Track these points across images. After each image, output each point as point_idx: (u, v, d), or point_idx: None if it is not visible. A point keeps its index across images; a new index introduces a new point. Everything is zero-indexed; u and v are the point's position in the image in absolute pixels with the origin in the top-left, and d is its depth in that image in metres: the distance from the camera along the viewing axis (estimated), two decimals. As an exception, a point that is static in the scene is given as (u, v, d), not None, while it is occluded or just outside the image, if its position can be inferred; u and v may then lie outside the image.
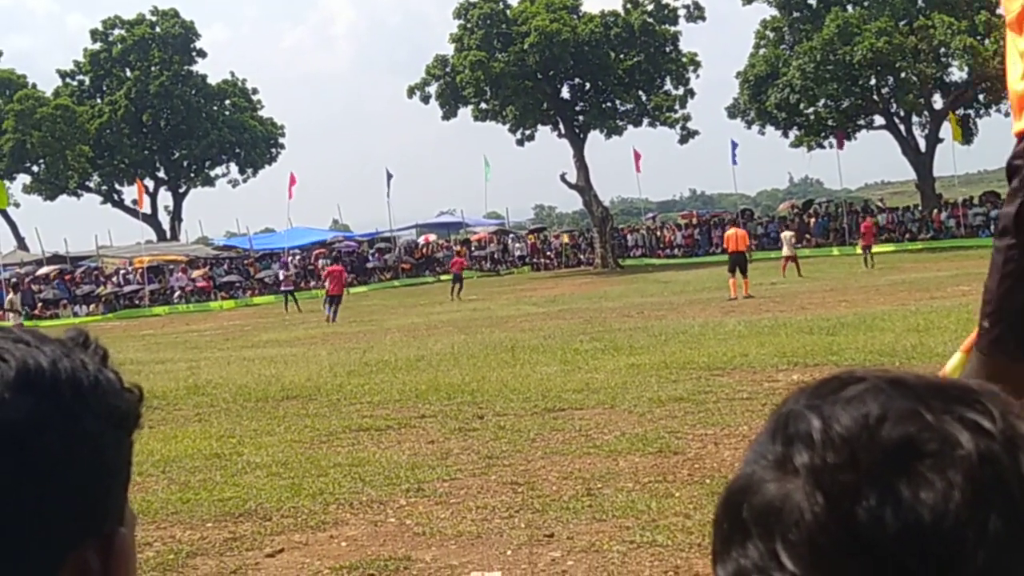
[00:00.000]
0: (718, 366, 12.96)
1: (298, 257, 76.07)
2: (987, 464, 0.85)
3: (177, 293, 70.13)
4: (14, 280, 52.50)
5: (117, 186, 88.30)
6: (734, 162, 74.61)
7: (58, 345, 1.12)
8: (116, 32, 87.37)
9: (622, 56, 69.21)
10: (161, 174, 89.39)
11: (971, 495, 0.84)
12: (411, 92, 73.52)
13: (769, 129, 74.34)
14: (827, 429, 0.89)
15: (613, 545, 5.60)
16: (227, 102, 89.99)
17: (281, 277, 57.46)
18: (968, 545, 0.83)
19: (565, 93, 71.45)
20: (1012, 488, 0.85)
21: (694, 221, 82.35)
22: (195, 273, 72.19)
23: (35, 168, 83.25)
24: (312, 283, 72.12)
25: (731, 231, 35.38)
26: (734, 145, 75.65)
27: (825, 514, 0.86)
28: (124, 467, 1.15)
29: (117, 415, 1.13)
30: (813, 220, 73.21)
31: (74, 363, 1.11)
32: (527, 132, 73.51)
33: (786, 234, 42.82)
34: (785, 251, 42.39)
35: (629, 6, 69.69)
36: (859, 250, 48.80)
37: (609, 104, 71.78)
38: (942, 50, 66.89)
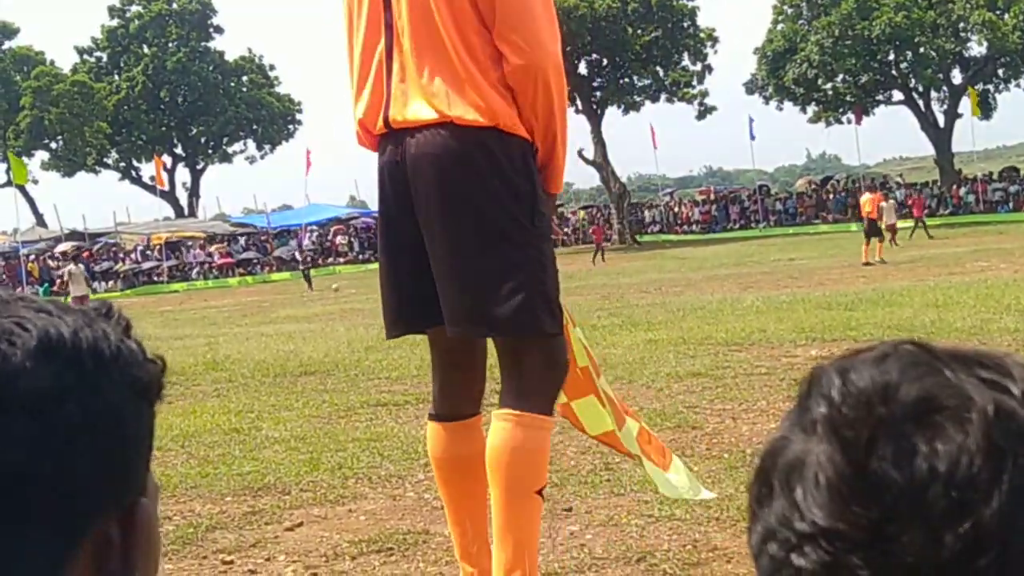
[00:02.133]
0: (736, 341, 12.94)
1: (315, 233, 76.15)
2: (1004, 418, 0.86)
3: (195, 270, 70.40)
4: (74, 253, 52.18)
5: (135, 163, 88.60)
6: (752, 138, 74.60)
7: (80, 315, 1.12)
8: (133, 8, 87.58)
9: (639, 31, 69.00)
10: (179, 150, 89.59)
11: (987, 446, 0.85)
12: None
13: (787, 105, 74.24)
14: (846, 384, 0.91)
15: (631, 519, 5.60)
16: (244, 78, 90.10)
17: (298, 256, 57.46)
18: (981, 494, 0.84)
19: (582, 69, 71.25)
20: None
21: (711, 197, 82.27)
22: (212, 249, 72.34)
23: (53, 145, 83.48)
24: (329, 259, 72.30)
25: (866, 196, 35.56)
26: (751, 121, 75.53)
27: (843, 463, 0.87)
28: (146, 437, 1.15)
29: (139, 385, 1.13)
30: (831, 196, 73.05)
31: (96, 333, 1.11)
32: (545, 108, 73.32)
33: (887, 203, 42.11)
34: (888, 219, 41.52)
35: (647, -19, 69.44)
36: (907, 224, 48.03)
37: (626, 80, 71.68)
38: (961, 24, 66.66)
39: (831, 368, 0.95)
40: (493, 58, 3.83)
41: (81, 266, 40.99)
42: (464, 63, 3.82)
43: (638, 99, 72.99)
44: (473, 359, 4.28)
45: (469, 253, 3.88)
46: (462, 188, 3.87)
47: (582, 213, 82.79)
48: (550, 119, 3.87)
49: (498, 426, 3.90)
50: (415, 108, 3.90)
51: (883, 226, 34.69)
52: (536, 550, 3.95)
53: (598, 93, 71.95)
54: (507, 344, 3.98)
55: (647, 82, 72.48)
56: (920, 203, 52.47)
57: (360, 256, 73.22)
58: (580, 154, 69.90)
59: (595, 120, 71.54)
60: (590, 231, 61.22)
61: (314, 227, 77.21)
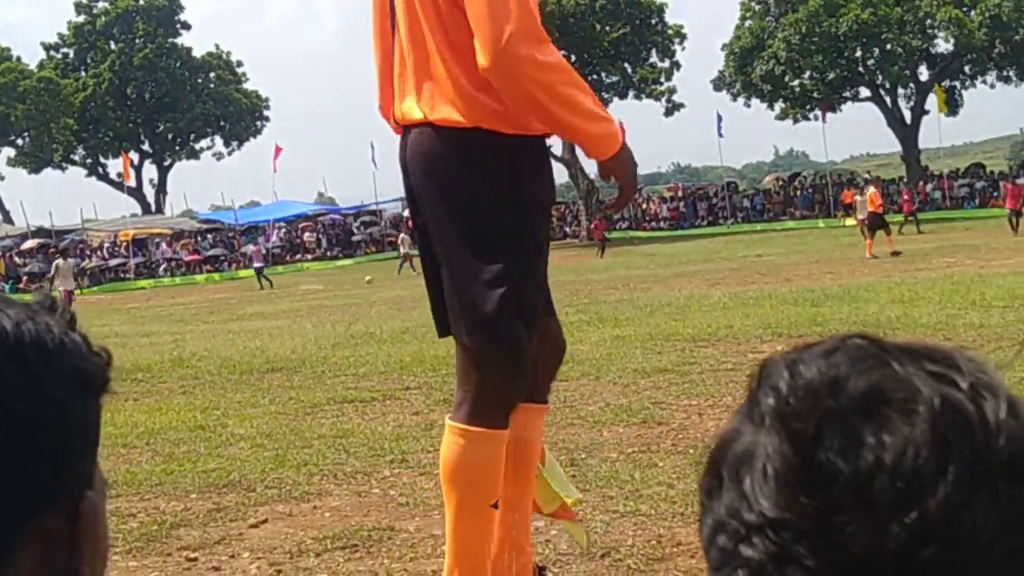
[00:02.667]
0: (703, 337, 12.96)
1: (283, 230, 75.99)
2: (951, 411, 0.87)
3: (162, 266, 70.11)
4: (64, 247, 51.53)
5: (102, 159, 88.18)
6: (720, 135, 74.72)
7: (23, 308, 1.11)
8: (100, 4, 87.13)
9: (608, 28, 69.10)
10: (146, 147, 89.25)
11: (933, 439, 0.85)
12: (396, 64, 73.39)
13: (755, 101, 74.51)
14: (794, 376, 0.92)
15: (596, 515, 5.60)
16: (212, 75, 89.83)
17: (250, 252, 56.72)
18: (927, 485, 0.84)
19: (551, 65, 71.17)
20: (975, 435, 0.86)
21: (680, 194, 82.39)
22: (180, 246, 72.10)
23: (19, 141, 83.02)
24: (297, 256, 72.16)
25: (870, 191, 36.12)
26: (719, 118, 75.69)
27: (790, 454, 0.87)
28: (92, 430, 1.14)
29: (83, 377, 1.12)
30: (799, 193, 73.30)
31: (39, 326, 1.10)
32: (513, 104, 73.40)
33: (860, 199, 42.65)
34: (860, 215, 41.81)
35: (615, -22, 69.54)
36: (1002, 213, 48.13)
37: (595, 76, 71.74)
38: (928, 21, 66.99)
39: (780, 361, 0.95)
40: None
41: (71, 260, 40.61)
42: (447, 63, 3.76)
43: (606, 96, 73.05)
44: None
45: (447, 255, 3.85)
46: (441, 190, 3.83)
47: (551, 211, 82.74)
48: (543, 111, 3.75)
49: (451, 440, 3.86)
50: (408, 106, 3.89)
51: (857, 220, 35.05)
52: (484, 563, 3.91)
53: (567, 90, 71.91)
54: (467, 353, 3.89)
55: (615, 79, 72.63)
56: (911, 199, 52.74)
57: (328, 253, 73.12)
58: (548, 151, 69.85)
59: (563, 117, 71.47)
60: (591, 227, 60.99)
61: (282, 224, 77.03)
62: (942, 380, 0.89)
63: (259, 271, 49.55)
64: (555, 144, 70.02)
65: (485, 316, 3.77)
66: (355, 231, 77.41)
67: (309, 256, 72.36)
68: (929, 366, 0.90)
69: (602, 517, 5.57)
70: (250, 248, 57.86)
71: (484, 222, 3.79)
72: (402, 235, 53.24)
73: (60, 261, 35.91)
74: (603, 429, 7.98)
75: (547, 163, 4.05)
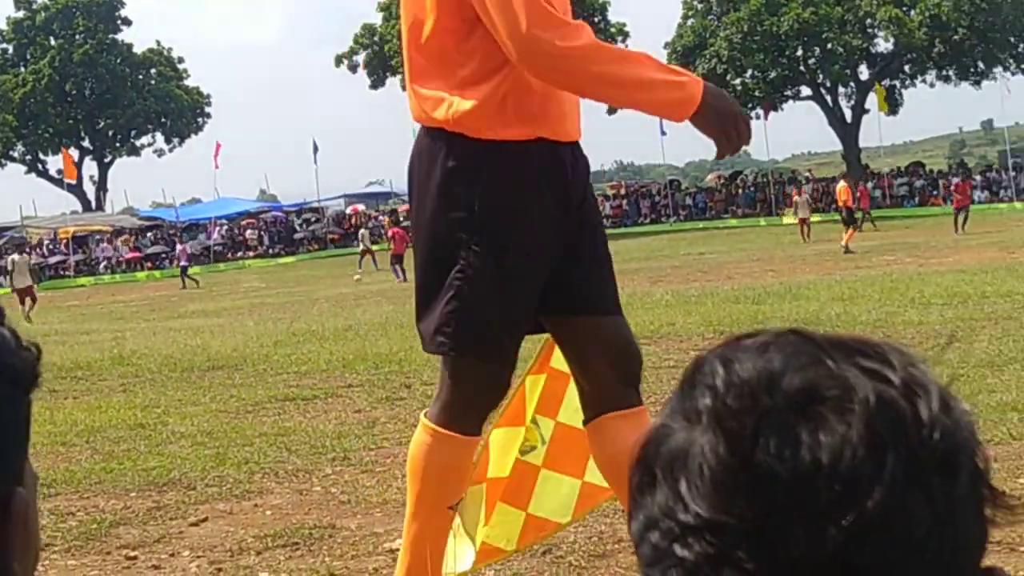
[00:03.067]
0: (645, 335, 12.98)
1: (225, 227, 75.59)
2: (885, 409, 0.87)
3: (103, 264, 69.60)
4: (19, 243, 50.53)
5: (41, 156, 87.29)
6: (662, 132, 74.85)
7: None
8: (40, 0, 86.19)
9: (551, 26, 69.19)
10: (86, 144, 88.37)
11: (868, 437, 0.85)
12: (339, 61, 73.38)
13: (697, 99, 74.61)
14: (729, 375, 0.91)
15: (538, 512, 5.61)
16: (153, 71, 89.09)
17: (177, 251, 55.97)
18: (864, 484, 0.84)
19: (493, 63, 71.29)
20: (909, 432, 0.86)
21: (622, 191, 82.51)
22: (120, 243, 71.60)
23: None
24: (239, 253, 71.81)
25: (840, 184, 37.32)
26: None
27: (726, 455, 0.87)
28: (21, 425, 1.13)
29: (11, 372, 1.11)
30: (740, 191, 73.61)
31: None
32: (456, 102, 73.34)
33: (800, 198, 43.31)
34: (801, 214, 42.55)
35: (558, -24, 69.62)
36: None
37: (538, 74, 71.79)
38: (868, 21, 67.45)
39: (714, 357, 0.95)
40: (467, 53, 3.62)
41: (26, 256, 40.06)
42: (428, 59, 3.67)
43: (550, 93, 73.18)
44: (575, 353, 3.98)
45: (417, 260, 3.82)
46: (414, 192, 3.78)
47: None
48: (593, 94, 3.70)
49: (420, 435, 3.84)
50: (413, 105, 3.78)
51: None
52: (424, 560, 3.89)
53: (510, 87, 72.07)
54: (442, 356, 3.84)
55: (559, 77, 72.77)
56: (866, 194, 53.09)
57: (270, 250, 72.80)
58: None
59: (506, 114, 71.65)
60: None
61: (223, 221, 76.62)
62: (875, 377, 0.89)
63: (184, 270, 48.89)
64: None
65: (470, 324, 3.69)
66: (297, 228, 77.08)
67: (251, 253, 72.00)
68: (862, 361, 0.90)
69: (544, 514, 5.58)
70: (178, 247, 57.03)
71: (448, 229, 3.71)
72: (362, 230, 52.99)
73: (15, 256, 35.58)
74: (545, 426, 7.98)
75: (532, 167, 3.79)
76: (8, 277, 37.30)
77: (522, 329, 3.88)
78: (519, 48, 3.44)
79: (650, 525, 0.92)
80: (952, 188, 45.34)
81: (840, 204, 35.97)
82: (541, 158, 3.69)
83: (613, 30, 71.83)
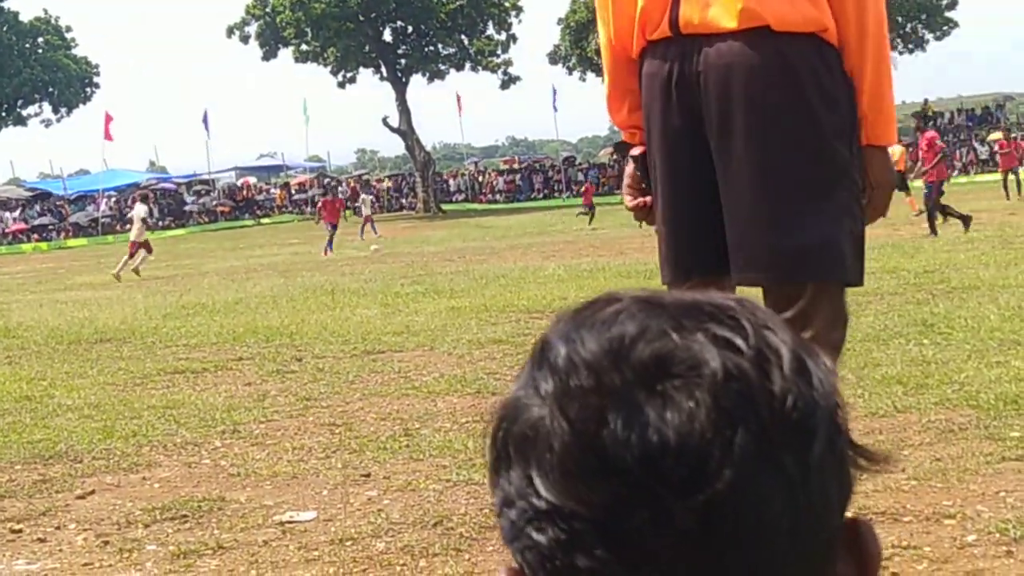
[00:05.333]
0: (537, 309, 13.03)
1: (114, 199, 74.63)
2: (734, 381, 0.84)
3: (-12, 235, 68.44)
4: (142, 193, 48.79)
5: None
6: (555, 108, 75.07)
7: None
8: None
9: (445, 0, 68.93)
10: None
11: (716, 414, 0.83)
12: (230, 32, 72.53)
13: (590, 76, 74.86)
14: (572, 355, 0.88)
15: (429, 484, 5.61)
16: (40, 40, 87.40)
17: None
18: (713, 464, 0.82)
19: (387, 36, 71.07)
20: (760, 405, 0.84)
21: (516, 167, 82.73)
22: (6, 214, 70.47)
23: None
24: (128, 226, 70.97)
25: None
26: (555, 92, 76.09)
27: (572, 439, 0.84)
28: None
29: None
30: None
31: None
32: (348, 75, 72.99)
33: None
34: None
35: (452, -51, 69.44)
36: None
37: (431, 48, 71.69)
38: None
39: (559, 336, 0.91)
40: None
41: None
42: None
43: (443, 67, 73.04)
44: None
45: (777, 183, 3.34)
46: (777, 107, 3.31)
47: (388, 182, 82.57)
48: (878, 37, 3.38)
49: None
50: (717, 11, 3.31)
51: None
52: None
53: (403, 60, 71.78)
54: (792, 296, 3.30)
55: (452, 50, 72.58)
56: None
57: (160, 223, 72.00)
58: (385, 121, 69.74)
59: (400, 87, 71.42)
60: (583, 190, 59.13)
61: (112, 193, 75.62)
62: (725, 345, 0.86)
63: None
64: (392, 116, 69.96)
65: (856, 249, 3.39)
66: (187, 200, 76.29)
67: (140, 226, 71.12)
68: (713, 329, 0.87)
69: (435, 486, 5.59)
70: (94, 215, 56.16)
71: (833, 143, 3.38)
72: (363, 196, 52.24)
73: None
74: (437, 399, 7.99)
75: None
76: None
77: None
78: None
79: (507, 503, 0.90)
80: None
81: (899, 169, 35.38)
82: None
83: (507, 4, 71.78)
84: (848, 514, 0.93)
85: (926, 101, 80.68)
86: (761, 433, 0.83)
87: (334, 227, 36.22)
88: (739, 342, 0.86)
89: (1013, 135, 51.29)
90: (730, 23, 3.27)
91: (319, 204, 43.17)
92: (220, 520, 5.29)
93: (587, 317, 0.91)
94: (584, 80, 75.89)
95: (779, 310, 3.10)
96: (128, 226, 69.12)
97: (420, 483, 5.65)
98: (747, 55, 3.27)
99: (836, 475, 0.89)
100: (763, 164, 3.32)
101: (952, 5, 72.07)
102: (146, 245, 30.50)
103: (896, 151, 34.99)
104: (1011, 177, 36.97)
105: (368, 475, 5.94)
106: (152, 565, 4.75)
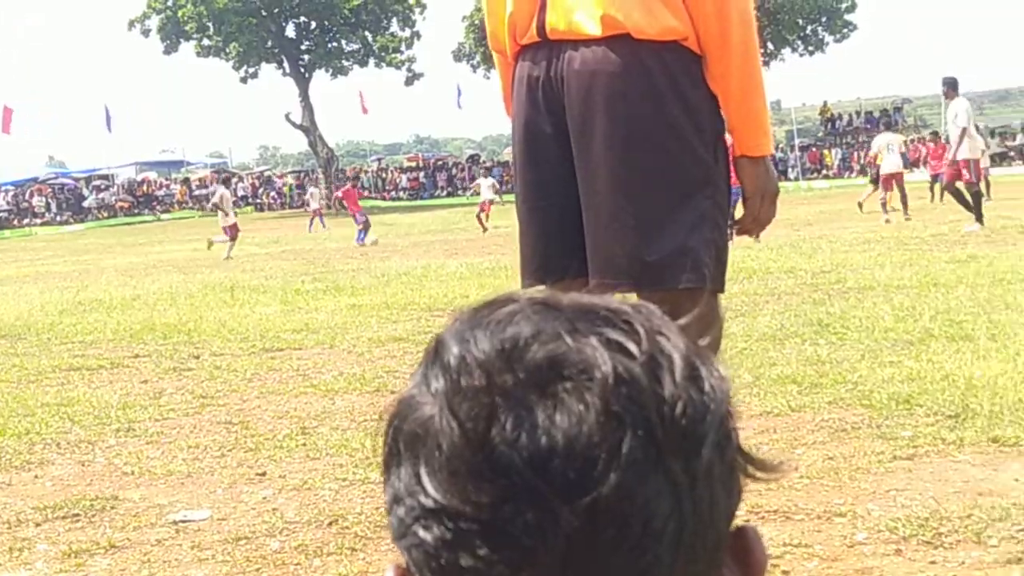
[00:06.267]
0: (439, 307, 13.03)
1: (11, 194, 73.58)
2: (624, 385, 0.85)
3: None
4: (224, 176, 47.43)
5: None
6: (459, 106, 75.09)
7: None
8: None
9: (349, -5, 68.73)
10: None
11: (605, 417, 0.83)
12: (131, 25, 71.70)
13: (494, 74, 74.85)
14: (465, 354, 0.88)
15: (325, 483, 5.59)
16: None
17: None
18: (600, 467, 0.83)
19: (290, 31, 70.75)
20: (649, 410, 0.85)
21: (420, 164, 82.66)
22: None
23: None
24: (25, 220, 69.98)
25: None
26: (459, 90, 76.11)
27: (460, 439, 0.85)
28: None
29: None
30: (536, 165, 74.25)
31: None
32: (251, 70, 72.49)
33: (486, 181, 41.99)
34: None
35: (356, -55, 69.21)
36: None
37: (335, 44, 71.41)
38: None
39: (451, 335, 0.92)
40: None
41: None
42: None
43: (346, 63, 72.78)
44: None
45: (634, 189, 3.38)
46: (637, 113, 3.34)
47: (290, 179, 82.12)
48: (743, 48, 3.38)
49: None
50: (581, 17, 3.36)
51: None
52: None
53: (306, 56, 71.46)
54: (659, 301, 3.26)
55: (356, 47, 72.33)
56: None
57: (58, 217, 71.10)
58: (287, 117, 69.40)
59: (303, 83, 71.13)
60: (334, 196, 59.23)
61: (9, 187, 74.55)
62: (618, 349, 0.87)
63: None
64: (294, 112, 69.56)
65: (714, 256, 3.47)
66: (86, 195, 75.37)
67: (38, 221, 70.24)
68: (607, 332, 0.88)
69: (331, 485, 5.56)
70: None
71: (693, 150, 3.42)
72: (312, 189, 51.42)
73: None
74: (336, 397, 7.96)
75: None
76: None
77: None
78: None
79: (396, 500, 0.90)
80: None
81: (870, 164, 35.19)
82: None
83: (411, 1, 71.66)
84: (737, 522, 0.94)
85: (825, 103, 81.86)
86: (649, 438, 0.84)
87: (362, 216, 34.95)
88: (632, 347, 0.87)
89: (920, 136, 52.31)
90: (594, 30, 3.34)
91: (338, 195, 42.10)
92: (113, 519, 5.23)
93: (483, 317, 0.92)
94: (488, 78, 75.91)
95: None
96: (27, 221, 68.24)
97: (316, 482, 5.63)
98: (610, 62, 3.33)
99: (724, 482, 0.90)
100: (621, 171, 3.37)
101: (852, 8, 72.95)
102: (233, 228, 30.03)
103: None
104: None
105: (263, 474, 5.91)
106: (43, 564, 4.69)
